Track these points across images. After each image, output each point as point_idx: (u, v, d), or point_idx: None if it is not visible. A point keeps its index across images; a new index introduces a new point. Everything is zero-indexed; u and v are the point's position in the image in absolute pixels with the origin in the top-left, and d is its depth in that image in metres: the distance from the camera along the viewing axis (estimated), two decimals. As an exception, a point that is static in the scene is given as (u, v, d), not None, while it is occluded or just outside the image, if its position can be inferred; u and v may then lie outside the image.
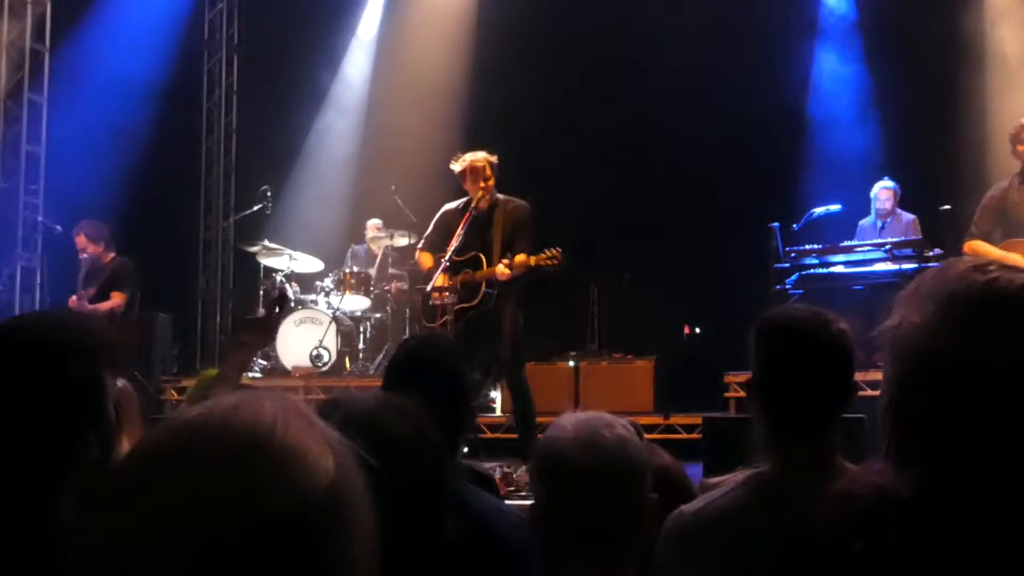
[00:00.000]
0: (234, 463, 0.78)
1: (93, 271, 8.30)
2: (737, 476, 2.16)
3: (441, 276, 6.62)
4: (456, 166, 6.70)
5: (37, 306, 9.28)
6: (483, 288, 6.54)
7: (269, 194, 9.93)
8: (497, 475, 5.62)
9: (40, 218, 9.45)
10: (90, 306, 8.04)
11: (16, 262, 9.39)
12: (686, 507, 2.11)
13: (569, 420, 1.91)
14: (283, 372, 9.20)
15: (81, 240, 8.25)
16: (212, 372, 3.48)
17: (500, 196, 6.69)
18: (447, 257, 6.57)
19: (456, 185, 6.94)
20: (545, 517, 1.89)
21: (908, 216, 8.02)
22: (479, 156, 6.67)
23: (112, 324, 7.97)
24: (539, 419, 6.79)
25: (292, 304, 9.25)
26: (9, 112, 9.58)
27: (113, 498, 0.80)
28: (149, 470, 0.80)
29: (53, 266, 9.21)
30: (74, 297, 8.15)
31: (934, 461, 1.10)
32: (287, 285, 9.32)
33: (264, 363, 9.48)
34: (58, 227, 9.13)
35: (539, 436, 1.99)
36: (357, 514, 0.83)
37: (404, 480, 1.37)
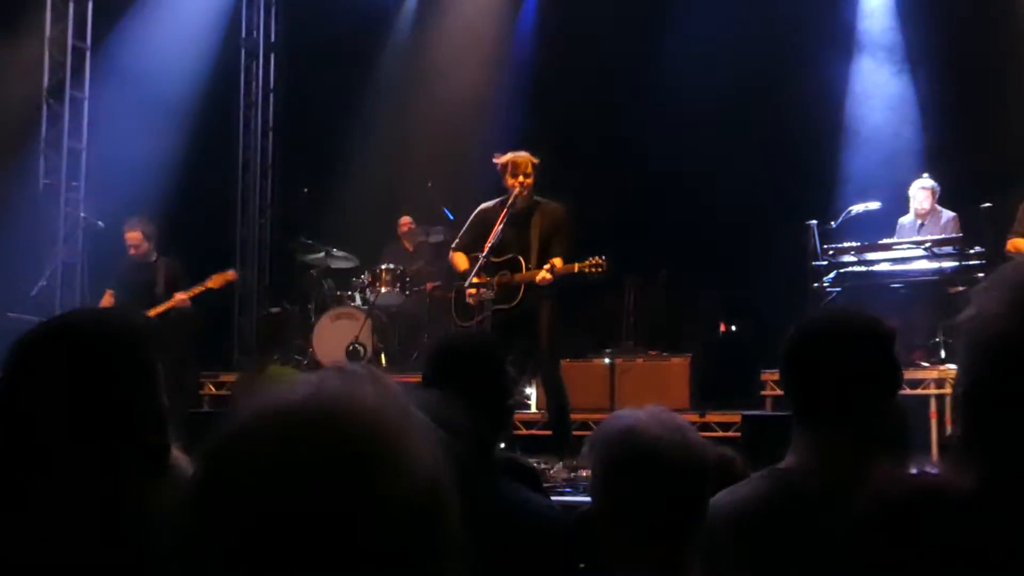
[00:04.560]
0: (339, 456, 0.77)
1: (139, 268, 8.14)
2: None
3: (477, 275, 6.62)
4: (499, 160, 6.71)
5: (78, 302, 9.38)
6: (522, 291, 6.54)
7: (306, 191, 9.99)
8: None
9: (82, 214, 9.55)
10: (172, 301, 7.85)
11: (57, 258, 9.49)
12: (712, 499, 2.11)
13: (630, 412, 1.90)
14: (319, 368, 9.25)
15: (136, 236, 8.07)
16: (280, 368, 3.51)
17: (539, 199, 6.69)
18: (484, 255, 6.57)
19: (492, 181, 6.95)
20: (606, 509, 1.88)
21: (948, 214, 7.93)
22: (522, 153, 6.70)
23: (184, 322, 7.92)
24: (574, 416, 6.81)
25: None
26: (51, 109, 9.70)
27: (213, 483, 0.78)
28: (253, 457, 0.78)
29: (94, 262, 9.30)
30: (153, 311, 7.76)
31: (1004, 451, 1.09)
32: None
33: (299, 358, 9.54)
34: (100, 223, 9.22)
35: (596, 430, 1.97)
36: (449, 510, 0.82)
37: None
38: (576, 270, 6.39)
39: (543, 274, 6.39)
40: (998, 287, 1.15)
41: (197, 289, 7.92)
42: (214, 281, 7.98)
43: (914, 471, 1.84)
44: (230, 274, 8.18)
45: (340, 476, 0.76)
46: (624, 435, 1.88)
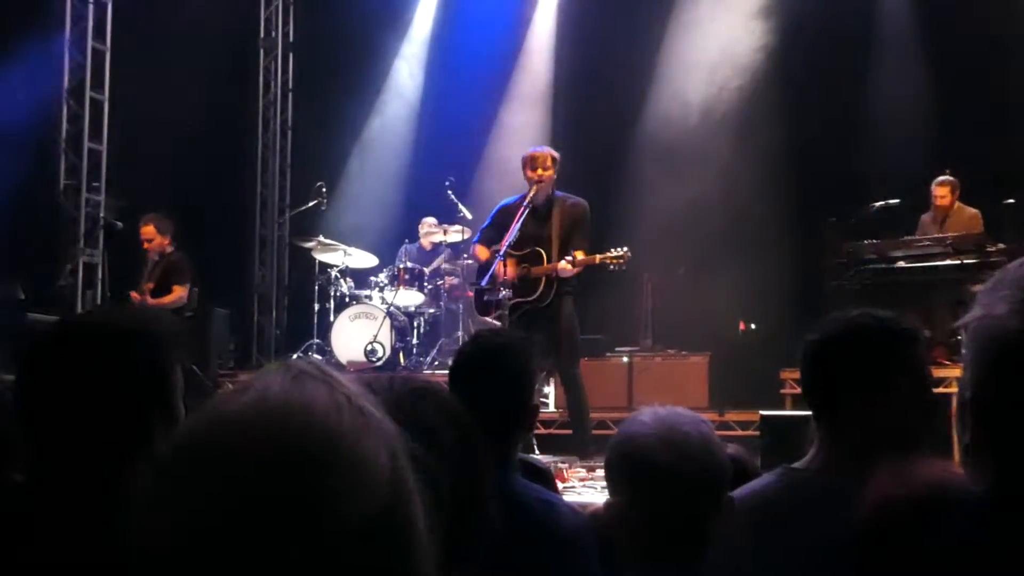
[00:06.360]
0: (290, 468, 0.72)
1: (153, 264, 8.28)
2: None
3: (497, 270, 6.63)
4: (524, 156, 6.74)
5: (99, 301, 9.43)
6: (543, 284, 6.54)
7: (324, 190, 10.01)
8: (550, 471, 5.60)
9: (102, 214, 9.60)
10: (152, 300, 8.04)
11: (78, 258, 9.55)
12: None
13: (649, 417, 1.84)
14: (338, 366, 9.26)
15: (149, 231, 8.14)
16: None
17: (559, 193, 6.70)
18: (502, 251, 6.58)
19: (509, 179, 6.96)
20: (624, 516, 1.85)
21: (970, 210, 7.87)
22: (541, 147, 6.72)
23: (177, 318, 8.01)
24: (593, 415, 6.80)
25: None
26: (71, 110, 9.75)
27: (157, 495, 0.74)
28: (199, 466, 0.73)
29: (115, 262, 9.35)
30: (135, 293, 8.17)
31: (1014, 455, 1.07)
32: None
33: (319, 357, 9.56)
34: (119, 223, 9.25)
35: (616, 433, 1.93)
36: (413, 512, 0.78)
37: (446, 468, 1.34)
38: (598, 261, 6.40)
39: (564, 265, 6.39)
40: (1002, 286, 1.12)
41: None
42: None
43: (927, 471, 1.83)
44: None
45: (286, 489, 0.72)
46: (622, 444, 1.85)
